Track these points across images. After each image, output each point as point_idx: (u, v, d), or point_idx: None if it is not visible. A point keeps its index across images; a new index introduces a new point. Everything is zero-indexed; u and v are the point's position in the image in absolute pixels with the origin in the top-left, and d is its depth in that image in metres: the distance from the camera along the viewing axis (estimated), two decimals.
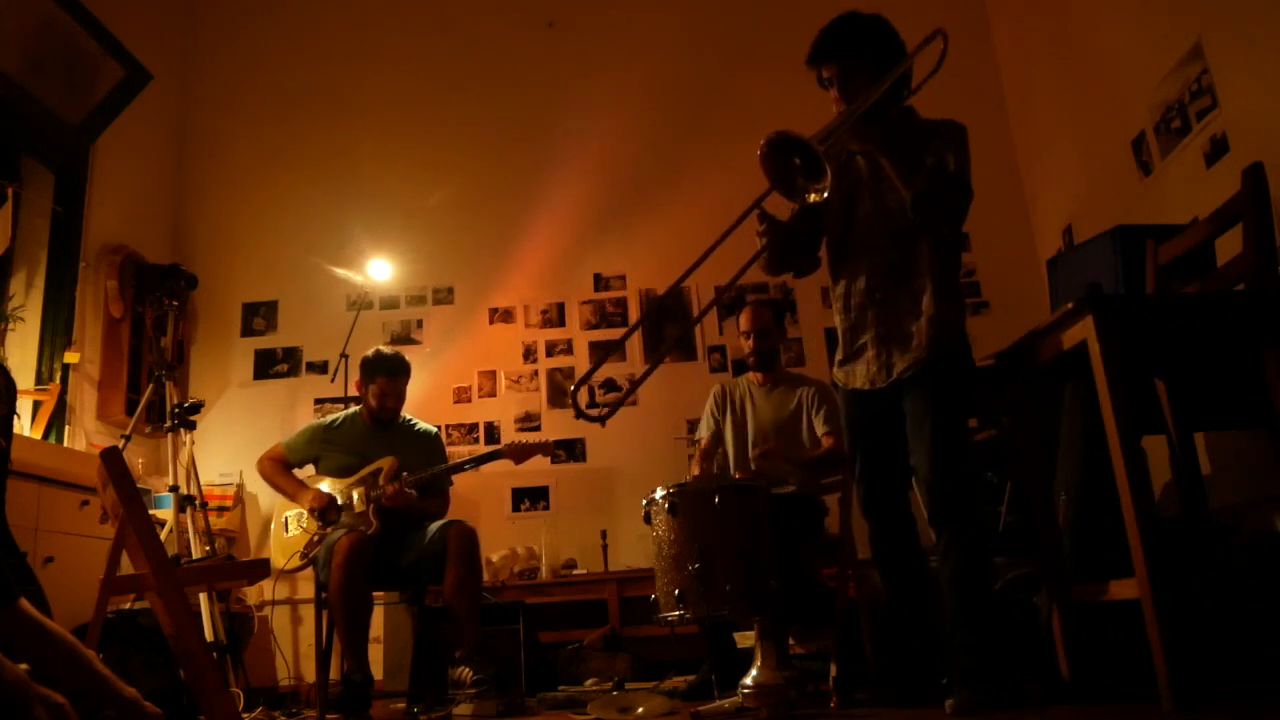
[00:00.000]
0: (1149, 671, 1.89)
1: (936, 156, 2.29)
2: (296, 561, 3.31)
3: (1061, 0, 4.45)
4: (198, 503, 3.92)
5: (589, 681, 3.87)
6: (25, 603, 1.63)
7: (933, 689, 2.23)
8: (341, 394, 4.74)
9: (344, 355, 4.73)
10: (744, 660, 2.42)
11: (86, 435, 4.49)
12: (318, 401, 5.11)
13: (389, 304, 5.34)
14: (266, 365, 5.29)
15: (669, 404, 4.78)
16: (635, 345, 5.15)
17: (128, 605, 3.49)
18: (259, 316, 5.37)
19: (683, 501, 2.41)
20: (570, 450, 4.91)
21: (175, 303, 4.70)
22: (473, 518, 3.90)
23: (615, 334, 5.19)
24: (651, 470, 4.40)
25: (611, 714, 2.59)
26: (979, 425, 3.38)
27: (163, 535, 3.73)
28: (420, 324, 5.32)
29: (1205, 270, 2.42)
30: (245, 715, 3.21)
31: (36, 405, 4.23)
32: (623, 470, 4.81)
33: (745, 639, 2.78)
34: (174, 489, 3.86)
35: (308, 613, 4.68)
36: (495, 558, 4.52)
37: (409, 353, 3.62)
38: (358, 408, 3.61)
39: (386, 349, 3.56)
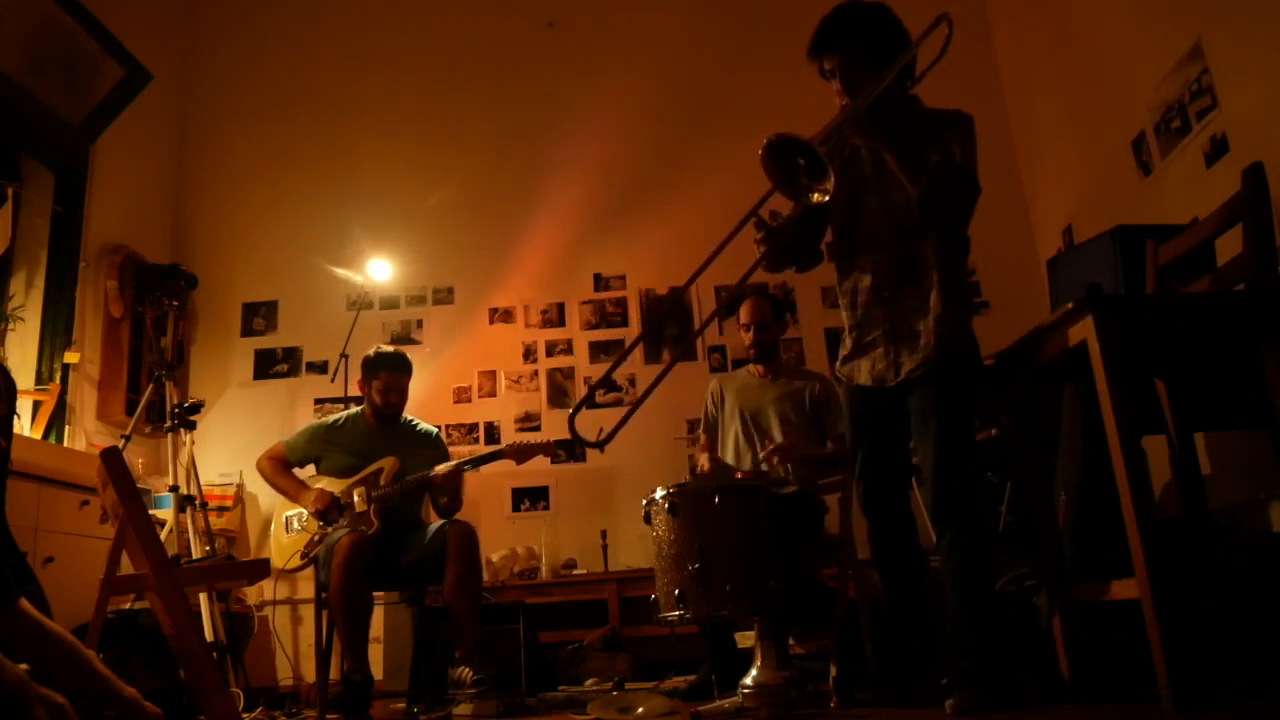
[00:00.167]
0: (1149, 671, 1.89)
1: (942, 150, 2.25)
2: (297, 561, 3.30)
3: (1061, 0, 4.45)
4: (198, 503, 3.92)
5: (589, 681, 3.87)
6: (25, 603, 1.63)
7: (933, 689, 2.23)
8: (341, 394, 4.74)
9: (344, 355, 4.74)
10: (744, 660, 2.42)
11: (86, 435, 4.49)
12: (318, 401, 5.11)
13: (389, 304, 5.34)
14: (266, 365, 5.29)
15: (669, 404, 4.78)
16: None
17: (128, 605, 3.49)
18: (259, 316, 5.37)
19: (683, 501, 2.41)
20: (570, 450, 4.91)
21: (175, 303, 4.70)
22: (473, 518, 3.89)
23: (615, 334, 5.19)
24: (651, 470, 4.40)
25: (611, 714, 2.59)
26: (979, 425, 3.38)
27: (163, 535, 3.73)
28: (420, 324, 5.32)
29: (1205, 270, 2.42)
30: (245, 715, 3.20)
31: (36, 405, 4.23)
32: (623, 470, 4.82)
33: (745, 639, 2.78)
34: (174, 489, 3.86)
35: (308, 613, 4.68)
36: (495, 558, 4.52)
37: (409, 353, 3.61)
38: (359, 408, 3.60)
39: (387, 347, 3.57)
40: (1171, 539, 2.20)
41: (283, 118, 5.59)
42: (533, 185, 5.34)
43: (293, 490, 3.38)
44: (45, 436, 4.20)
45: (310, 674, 4.49)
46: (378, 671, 3.70)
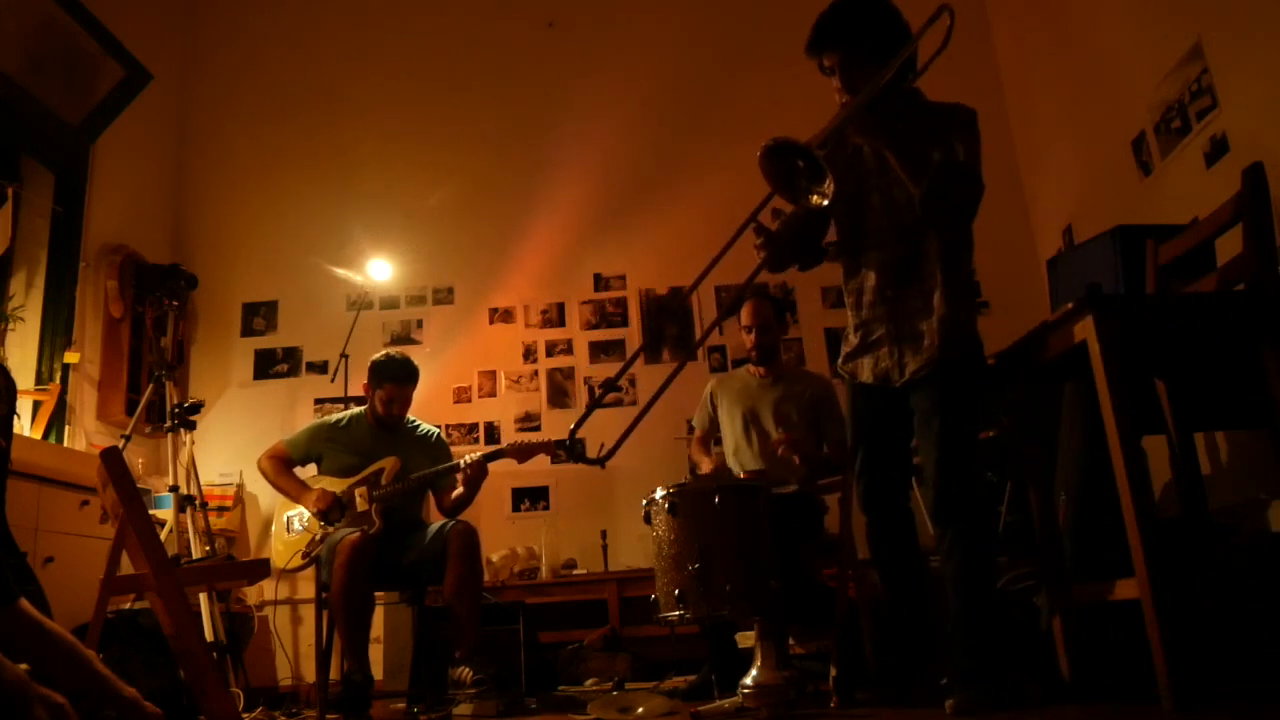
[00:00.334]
0: (1149, 671, 1.89)
1: (945, 147, 2.22)
2: (298, 561, 3.30)
3: (1061, 0, 4.45)
4: (198, 503, 3.92)
5: (589, 681, 3.87)
6: (25, 603, 1.63)
7: (933, 689, 2.23)
8: (342, 394, 4.74)
9: (344, 355, 4.74)
10: (744, 660, 2.42)
11: (86, 435, 4.49)
12: (318, 401, 5.11)
13: (389, 304, 5.34)
14: (266, 365, 5.29)
15: (669, 404, 4.68)
16: (635, 345, 5.15)
17: (128, 605, 3.49)
18: (259, 316, 5.37)
19: (683, 501, 2.41)
20: (571, 451, 4.89)
21: (175, 303, 4.70)
22: (473, 518, 3.89)
23: (615, 334, 5.20)
24: (651, 470, 4.39)
25: (611, 714, 2.59)
26: (979, 425, 3.38)
27: (163, 535, 3.73)
28: (420, 324, 5.32)
29: (1205, 270, 2.42)
30: (245, 715, 3.20)
31: (36, 405, 4.23)
32: (623, 470, 4.81)
33: (745, 639, 2.77)
34: (174, 489, 3.85)
35: (308, 613, 4.68)
36: (495, 558, 4.52)
37: (409, 353, 3.61)
38: (361, 408, 3.60)
39: (398, 354, 3.53)
40: (1171, 539, 2.20)
41: (283, 118, 5.59)
42: (533, 185, 5.34)
43: (294, 490, 3.37)
44: (45, 436, 4.20)
45: (310, 674, 4.49)
46: (378, 671, 3.70)
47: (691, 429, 3.74)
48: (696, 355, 5.05)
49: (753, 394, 3.45)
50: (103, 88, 4.76)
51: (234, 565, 3.56)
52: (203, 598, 3.53)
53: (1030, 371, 2.44)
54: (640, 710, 2.60)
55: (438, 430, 3.69)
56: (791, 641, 2.69)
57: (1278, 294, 2.06)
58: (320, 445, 3.48)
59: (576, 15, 5.61)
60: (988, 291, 4.88)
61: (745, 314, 3.46)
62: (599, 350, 5.18)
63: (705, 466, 3.48)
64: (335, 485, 3.36)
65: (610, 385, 4.90)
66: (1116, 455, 1.97)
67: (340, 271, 5.27)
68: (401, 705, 3.34)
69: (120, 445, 3.38)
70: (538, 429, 5.03)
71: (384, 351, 3.56)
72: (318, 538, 3.27)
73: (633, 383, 5.04)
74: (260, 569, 2.70)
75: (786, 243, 2.41)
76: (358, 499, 3.32)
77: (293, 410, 5.12)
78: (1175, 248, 2.49)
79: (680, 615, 2.34)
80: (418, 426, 3.61)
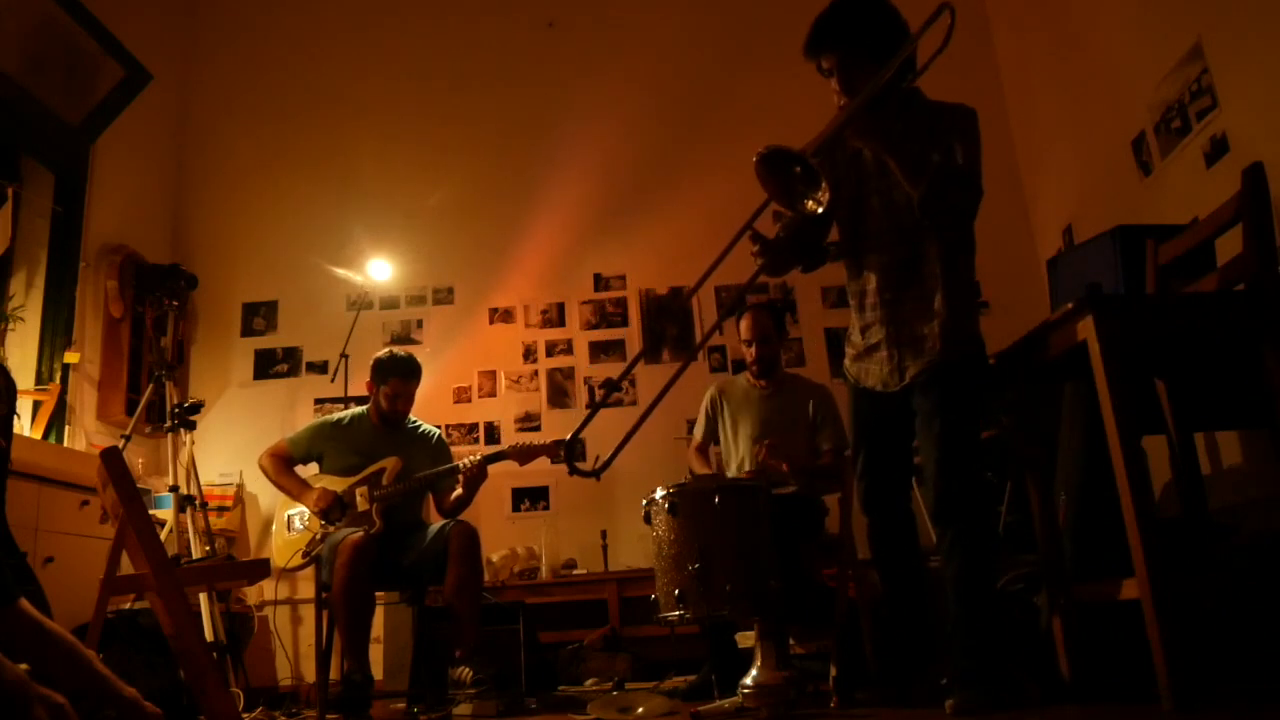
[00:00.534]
0: (1149, 671, 1.89)
1: (944, 149, 2.22)
2: (298, 560, 3.30)
3: (1061, 0, 4.45)
4: (198, 503, 3.92)
5: (589, 681, 3.87)
6: (25, 603, 1.63)
7: (933, 689, 2.23)
8: (342, 394, 4.74)
9: (344, 355, 4.74)
10: (744, 660, 2.42)
11: (86, 435, 4.49)
12: (318, 401, 5.11)
13: (389, 304, 5.34)
14: (266, 365, 5.29)
15: (669, 404, 4.67)
16: (635, 345, 5.16)
17: (128, 605, 3.49)
18: (259, 316, 5.37)
19: (683, 501, 2.41)
20: (571, 452, 4.89)
21: (175, 303, 4.70)
22: (473, 518, 3.89)
23: (615, 334, 5.20)
24: (651, 470, 4.38)
25: (611, 714, 2.59)
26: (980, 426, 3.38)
27: (163, 535, 3.74)
28: (420, 324, 5.32)
29: (1205, 270, 2.42)
30: (245, 715, 3.21)
31: (36, 405, 4.23)
32: (623, 470, 4.78)
33: (745, 639, 2.77)
34: (174, 489, 3.85)
35: (308, 613, 4.68)
36: (495, 558, 4.52)
37: (410, 352, 3.61)
38: (362, 408, 3.60)
39: (400, 351, 3.54)
40: (1171, 539, 2.20)
41: (283, 118, 5.59)
42: (533, 185, 5.34)
43: (295, 489, 3.37)
44: (45, 436, 4.20)
45: (310, 674, 4.49)
46: (378, 671, 3.70)
47: (690, 434, 3.73)
48: (697, 356, 5.04)
49: (754, 406, 3.44)
50: (103, 88, 4.76)
51: (234, 565, 3.56)
52: (203, 598, 3.53)
53: (1030, 371, 2.44)
54: (640, 710, 2.60)
55: (438, 431, 3.69)
56: (791, 641, 2.69)
57: (1278, 294, 2.06)
58: (322, 444, 3.48)
59: (576, 15, 5.61)
60: (988, 291, 4.87)
61: (744, 327, 3.44)
62: (599, 350, 5.18)
63: (698, 471, 3.49)
64: (336, 484, 3.36)
65: (612, 387, 4.90)
66: (1116, 455, 1.97)
67: (340, 271, 5.27)
68: (401, 705, 3.34)
69: (120, 445, 3.38)
70: (538, 429, 5.03)
71: (387, 349, 3.57)
72: (318, 537, 3.27)
73: (632, 383, 5.04)
74: (260, 569, 2.70)
75: (785, 248, 2.41)
76: (359, 499, 3.32)
77: (293, 410, 5.12)
78: (1175, 248, 2.49)
79: (680, 615, 2.34)
80: (418, 427, 3.61)
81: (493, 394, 5.17)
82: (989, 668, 2.14)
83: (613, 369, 5.09)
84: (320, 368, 5.16)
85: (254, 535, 4.92)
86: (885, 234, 2.34)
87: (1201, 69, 3.31)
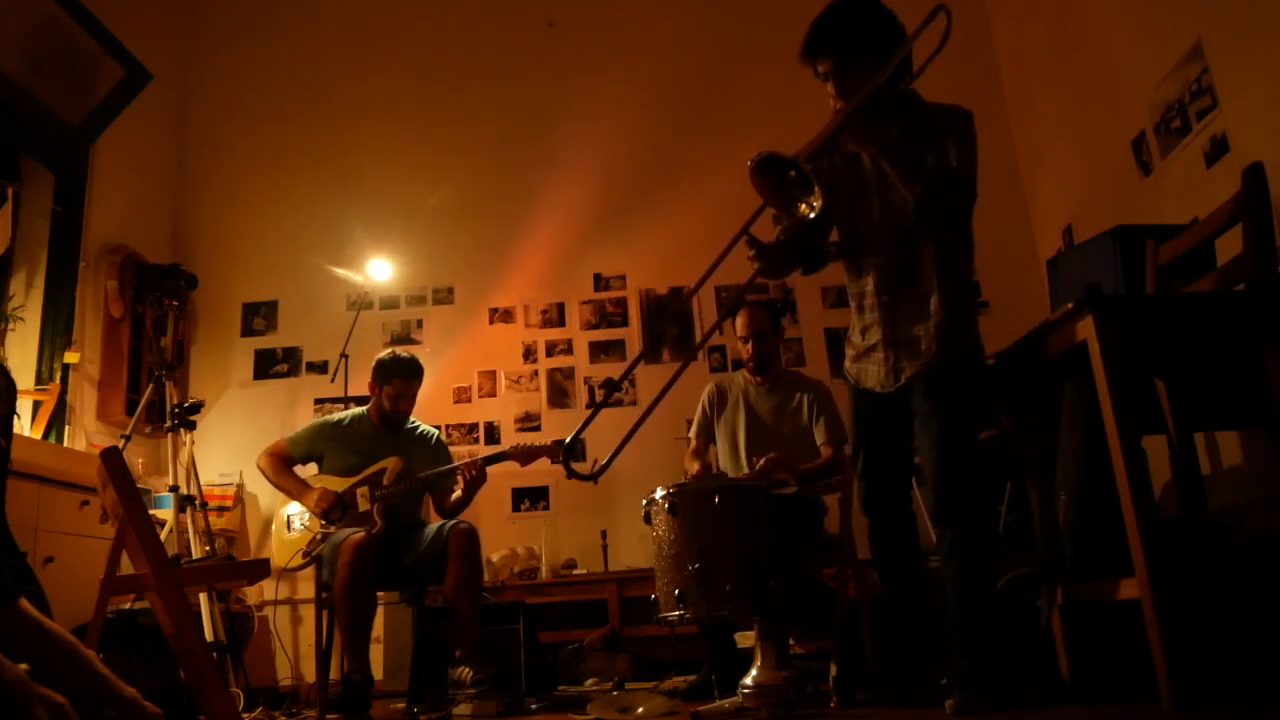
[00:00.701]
0: (1149, 671, 1.89)
1: (939, 151, 2.23)
2: (299, 560, 3.30)
3: (1061, 0, 4.45)
4: (198, 503, 3.92)
5: (589, 681, 3.87)
6: (25, 603, 1.64)
7: (933, 689, 2.23)
8: (342, 394, 4.74)
9: (344, 355, 4.74)
10: (744, 660, 2.42)
11: (86, 435, 4.49)
12: (318, 401, 5.11)
13: (389, 304, 5.34)
14: (266, 365, 5.29)
15: (669, 404, 4.67)
16: (634, 344, 5.16)
17: (128, 605, 3.49)
18: (259, 316, 5.37)
19: (683, 501, 2.41)
20: (571, 452, 4.89)
21: (175, 303, 4.70)
22: (473, 518, 3.89)
23: (615, 334, 5.20)
24: (651, 470, 4.38)
25: (611, 714, 2.59)
26: (979, 425, 3.37)
27: (163, 535, 3.74)
28: (420, 324, 5.32)
29: (1205, 270, 2.42)
30: (245, 715, 3.21)
31: (36, 405, 4.23)
32: (623, 470, 4.78)
33: (745, 639, 2.77)
34: (174, 489, 3.85)
35: (308, 613, 4.68)
36: (495, 558, 4.52)
37: (410, 352, 3.61)
38: (362, 408, 3.60)
39: (403, 352, 3.55)
40: (1171, 539, 2.21)
41: (283, 118, 5.59)
42: (533, 185, 5.34)
43: (295, 489, 3.37)
44: (45, 436, 4.20)
45: (310, 674, 4.49)
46: (378, 671, 3.70)
47: (688, 434, 3.73)
48: (697, 356, 5.04)
49: (750, 402, 3.45)
50: (103, 88, 4.76)
51: (234, 565, 3.56)
52: (203, 598, 3.53)
53: (1030, 371, 2.44)
54: (640, 710, 2.60)
55: (437, 431, 3.70)
56: (791, 641, 2.69)
57: (1278, 294, 2.06)
58: (322, 444, 3.48)
59: (576, 15, 5.61)
60: (988, 291, 4.88)
61: (740, 324, 3.44)
62: (599, 350, 5.18)
63: (694, 472, 3.48)
64: (337, 485, 3.35)
65: (612, 388, 4.90)
66: (1116, 455, 1.97)
67: (340, 271, 5.27)
68: (401, 705, 3.34)
69: (120, 445, 3.38)
70: (538, 429, 5.03)
71: (390, 350, 3.57)
72: (319, 537, 3.27)
73: (632, 383, 5.04)
74: (260, 569, 2.70)
75: (782, 251, 2.42)
76: (359, 499, 3.32)
77: (293, 410, 5.12)
78: (1175, 248, 2.49)
79: (680, 615, 2.34)
80: (418, 427, 3.61)
81: (493, 394, 5.17)
82: (989, 668, 2.14)
83: (613, 369, 5.09)
84: (320, 368, 5.16)
85: (254, 535, 4.92)
86: (883, 236, 2.35)
87: (1201, 69, 3.31)
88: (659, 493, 2.47)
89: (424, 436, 3.59)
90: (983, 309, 4.81)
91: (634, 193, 5.27)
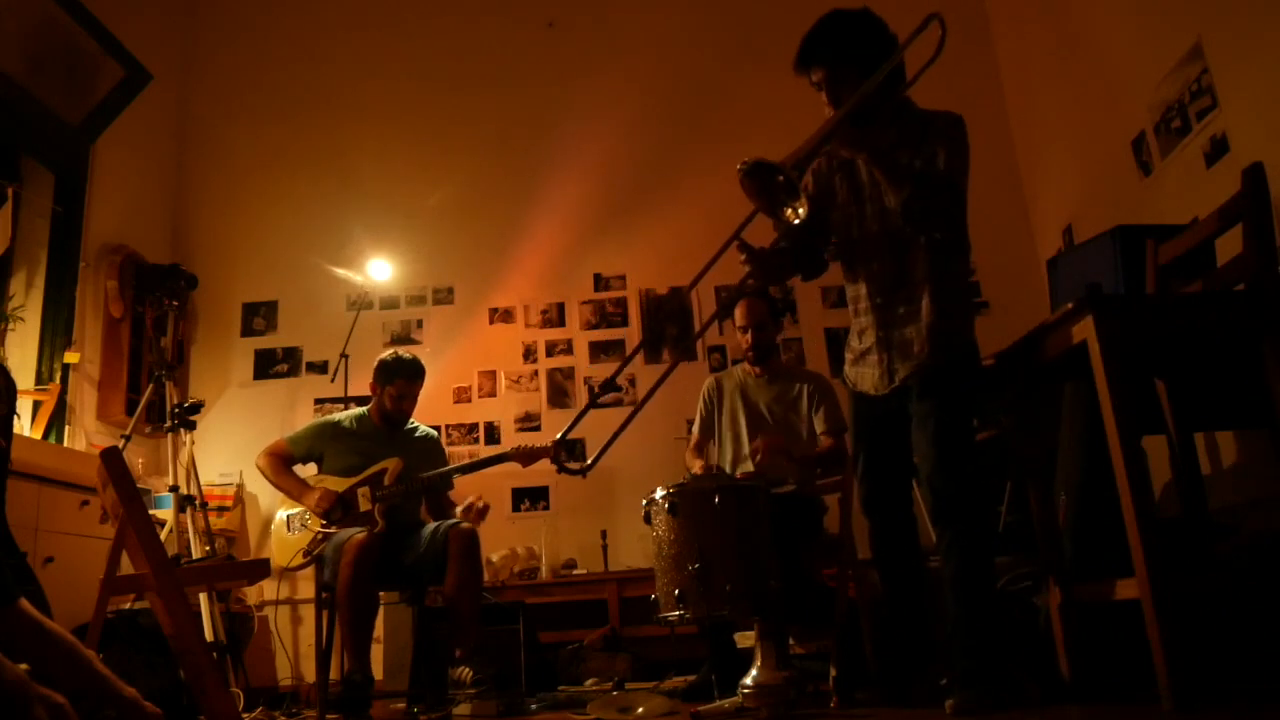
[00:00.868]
0: (1149, 671, 1.89)
1: (927, 155, 2.25)
2: (300, 560, 3.30)
3: (1061, 0, 4.45)
4: (198, 503, 3.92)
5: (589, 681, 3.87)
6: (25, 603, 1.63)
7: (933, 689, 2.23)
8: (342, 394, 4.74)
9: (344, 355, 4.74)
10: (744, 660, 2.42)
11: (86, 435, 4.49)
12: (318, 401, 5.11)
13: (389, 304, 5.34)
14: (266, 365, 5.29)
15: (669, 404, 4.74)
16: (635, 345, 5.15)
17: (128, 605, 3.49)
18: (259, 316, 5.37)
19: (683, 501, 2.41)
20: (570, 450, 4.90)
21: (175, 303, 4.70)
22: None
23: (615, 334, 5.20)
24: (651, 470, 4.39)
25: (611, 714, 2.59)
26: (979, 425, 3.38)
27: (163, 535, 3.73)
28: (420, 324, 5.32)
29: (1205, 270, 2.42)
30: (245, 715, 3.21)
31: (36, 405, 4.23)
32: (623, 470, 4.81)
33: (745, 639, 2.78)
34: (174, 489, 3.85)
35: (308, 613, 4.68)
36: (495, 558, 4.52)
37: (410, 352, 3.61)
38: (363, 409, 3.60)
39: (405, 353, 3.56)
40: (1171, 539, 2.20)
41: (283, 118, 5.59)
42: (533, 185, 5.34)
43: (295, 489, 3.37)
44: (45, 436, 4.20)
45: (310, 674, 4.49)
46: (378, 671, 3.70)
47: (690, 433, 3.73)
48: (696, 354, 5.05)
49: (750, 393, 3.45)
50: (103, 88, 4.76)
51: (234, 565, 3.56)
52: (203, 598, 3.53)
53: (1030, 371, 2.44)
54: (640, 710, 2.60)
55: (435, 433, 3.71)
56: (791, 641, 2.69)
57: (1278, 294, 2.06)
58: (323, 444, 3.48)
59: (576, 15, 5.61)
60: (988, 291, 4.88)
61: (739, 314, 3.45)
62: (599, 350, 5.18)
63: (696, 470, 3.48)
64: (337, 485, 3.35)
65: (607, 387, 4.90)
66: (1116, 455, 1.97)
67: (340, 271, 5.27)
68: (401, 705, 3.34)
69: (120, 445, 3.38)
70: (538, 429, 5.03)
71: (392, 351, 3.57)
72: (320, 537, 3.27)
73: (633, 382, 5.04)
74: (260, 569, 2.70)
75: (777, 258, 2.44)
76: (360, 499, 3.32)
77: (293, 410, 5.12)
78: (1175, 248, 2.49)
79: (680, 615, 2.34)
80: (416, 429, 3.62)
81: (493, 394, 5.17)
82: (989, 668, 2.14)
83: (613, 369, 5.08)
84: (320, 368, 5.16)
85: (254, 535, 4.92)
86: (877, 240, 2.38)
87: (1201, 69, 3.31)
88: (659, 493, 2.47)
89: (423, 438, 3.60)
90: (982, 309, 4.82)
91: (634, 193, 5.27)
